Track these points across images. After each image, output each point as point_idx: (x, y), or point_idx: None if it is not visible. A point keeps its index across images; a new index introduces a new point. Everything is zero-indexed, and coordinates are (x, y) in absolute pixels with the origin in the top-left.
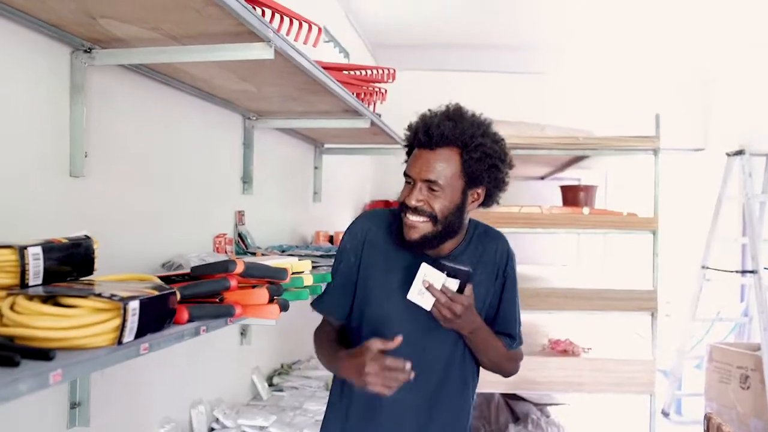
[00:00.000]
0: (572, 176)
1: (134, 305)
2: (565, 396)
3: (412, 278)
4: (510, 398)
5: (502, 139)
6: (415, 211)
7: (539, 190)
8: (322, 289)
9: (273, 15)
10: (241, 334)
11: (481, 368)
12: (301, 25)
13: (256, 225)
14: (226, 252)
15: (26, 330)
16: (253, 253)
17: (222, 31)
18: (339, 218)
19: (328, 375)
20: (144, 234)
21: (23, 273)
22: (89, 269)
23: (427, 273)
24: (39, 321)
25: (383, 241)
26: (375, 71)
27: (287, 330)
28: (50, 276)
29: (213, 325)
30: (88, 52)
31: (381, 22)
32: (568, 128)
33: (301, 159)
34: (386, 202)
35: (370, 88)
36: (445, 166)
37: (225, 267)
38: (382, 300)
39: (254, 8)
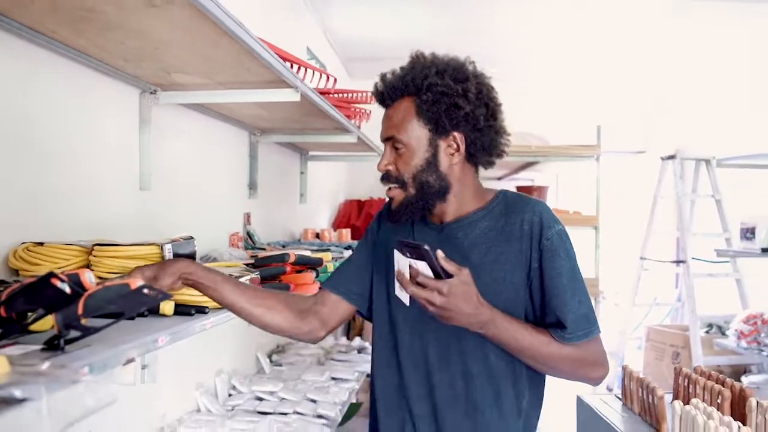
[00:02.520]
0: (527, 177)
1: (244, 280)
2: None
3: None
4: None
5: (472, 76)
6: (386, 178)
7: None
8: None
9: (299, 68)
10: None
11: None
12: (314, 73)
13: (258, 224)
14: (238, 247)
15: (185, 297)
16: (263, 248)
17: (260, 79)
18: (321, 216)
19: (319, 352)
20: (189, 233)
21: (163, 260)
22: (194, 258)
23: (398, 260)
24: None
25: (391, 228)
26: (361, 94)
27: None
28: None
29: None
30: (153, 93)
31: (353, 38)
32: (524, 133)
33: (290, 166)
34: (358, 202)
35: (357, 109)
36: (401, 118)
37: (282, 258)
38: (384, 281)
39: (285, 62)
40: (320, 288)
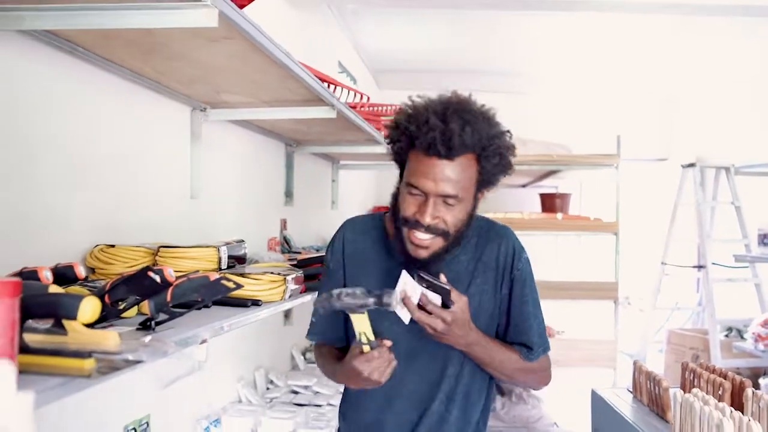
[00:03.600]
0: (551, 184)
1: (290, 278)
2: None
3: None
4: None
5: (507, 130)
6: (427, 228)
7: (521, 197)
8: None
9: (335, 87)
10: (285, 317)
11: None
12: (348, 91)
13: (294, 230)
14: (276, 251)
15: (244, 292)
16: (298, 252)
17: (299, 98)
18: None
19: None
20: (232, 237)
21: (219, 261)
22: (243, 261)
23: (406, 283)
24: (251, 287)
25: (365, 248)
26: (390, 107)
27: None
28: (229, 263)
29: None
30: (203, 111)
31: (381, 52)
32: (547, 142)
33: (322, 174)
34: (386, 208)
35: (386, 122)
36: (464, 176)
37: (320, 259)
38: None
39: (322, 82)
40: (311, 341)
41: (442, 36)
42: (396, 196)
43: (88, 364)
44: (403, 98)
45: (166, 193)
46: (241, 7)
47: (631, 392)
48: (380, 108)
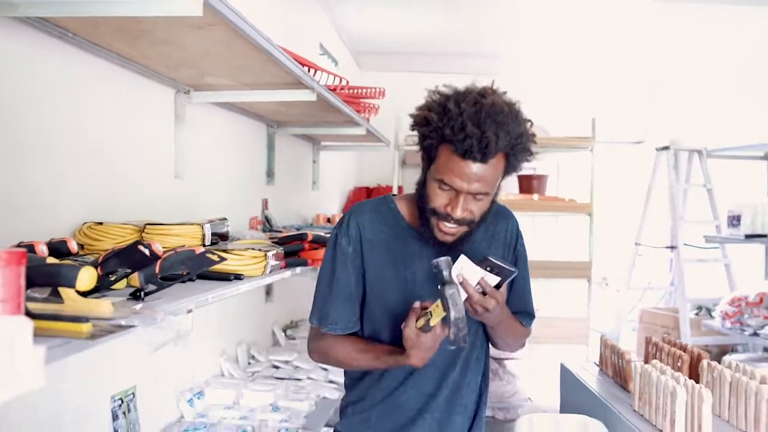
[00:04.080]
0: (529, 166)
1: (271, 254)
2: (519, 352)
3: (425, 267)
4: None
5: (529, 120)
6: (458, 221)
7: None
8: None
9: (315, 71)
10: (266, 293)
11: None
12: (329, 74)
13: (275, 209)
14: (257, 230)
15: (227, 266)
16: (279, 231)
17: (281, 81)
18: (332, 203)
19: None
20: (215, 216)
21: (203, 238)
22: (226, 238)
23: (464, 267)
24: (233, 263)
25: (381, 234)
26: (369, 90)
27: (297, 294)
28: (212, 240)
29: (297, 270)
30: (187, 93)
31: (363, 34)
32: None
33: (303, 155)
34: (367, 189)
35: (366, 104)
36: (493, 174)
37: (301, 237)
38: (398, 294)
39: (303, 66)
40: (324, 329)
41: (422, 19)
42: (422, 184)
43: (87, 327)
44: (384, 79)
45: (151, 173)
46: None
47: (597, 365)
48: (359, 90)
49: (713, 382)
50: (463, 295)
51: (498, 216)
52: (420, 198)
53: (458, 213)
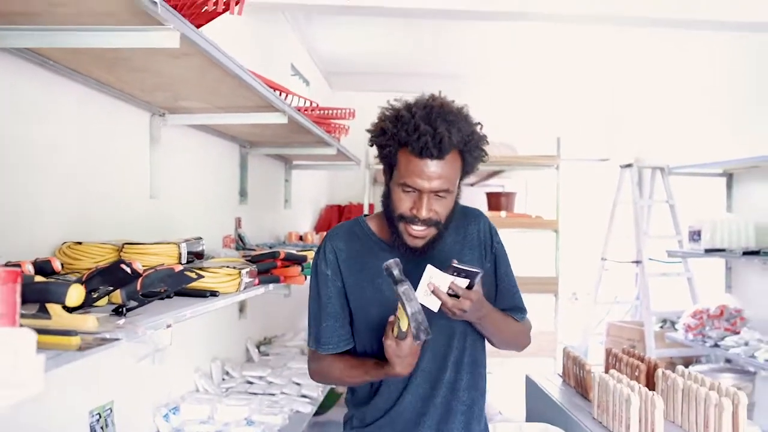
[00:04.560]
0: (498, 183)
1: (245, 272)
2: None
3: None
4: None
5: (479, 123)
6: (424, 221)
7: (469, 195)
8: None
9: (286, 95)
10: (240, 311)
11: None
12: (299, 98)
13: (248, 228)
14: (230, 248)
15: (204, 284)
16: (252, 249)
17: (253, 104)
18: (304, 221)
19: (302, 344)
20: (189, 235)
21: (180, 256)
22: (201, 256)
23: (432, 276)
24: (209, 280)
25: (356, 254)
26: (340, 111)
27: (270, 311)
28: (188, 258)
29: (270, 288)
30: (162, 116)
31: (334, 54)
32: (494, 142)
33: (275, 175)
34: (339, 207)
35: (336, 125)
36: (451, 171)
37: (273, 255)
38: (377, 308)
39: (274, 90)
40: (321, 351)
41: (391, 40)
42: (387, 194)
43: (75, 340)
44: (354, 99)
45: (127, 193)
46: (199, 26)
47: (561, 376)
48: (330, 111)
49: (667, 389)
50: (438, 303)
51: (468, 218)
52: (386, 209)
53: (423, 213)
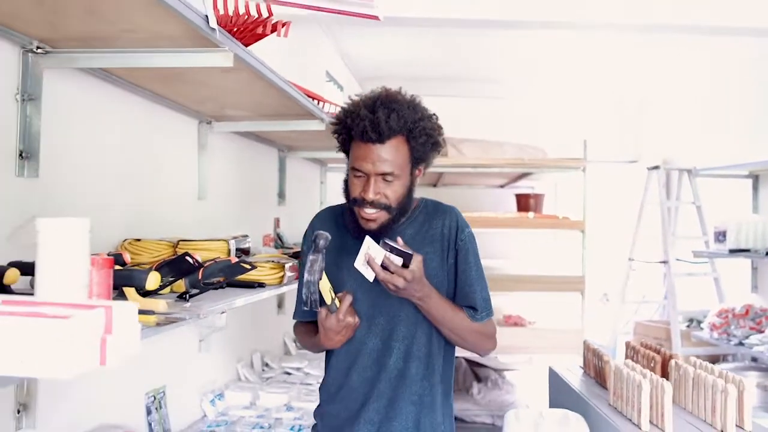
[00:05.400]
0: (527, 185)
1: (287, 266)
2: (518, 363)
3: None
4: (474, 365)
5: (434, 113)
6: (372, 204)
7: (499, 196)
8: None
9: (323, 104)
10: (278, 306)
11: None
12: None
13: (285, 227)
14: (270, 246)
15: (252, 276)
16: (290, 247)
17: (293, 113)
18: None
19: None
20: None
21: (229, 252)
22: (247, 253)
23: (370, 247)
24: (256, 273)
25: (334, 236)
26: None
27: None
28: (236, 254)
29: None
30: (209, 123)
31: (367, 60)
32: (523, 145)
33: (312, 176)
34: None
35: None
36: (397, 156)
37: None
38: (344, 286)
39: (312, 100)
40: (299, 320)
41: (423, 47)
42: (346, 182)
43: (153, 318)
44: None
45: (178, 194)
46: (247, 45)
47: (582, 368)
48: None
49: (679, 378)
50: (373, 274)
51: (436, 212)
52: (345, 194)
53: (370, 195)
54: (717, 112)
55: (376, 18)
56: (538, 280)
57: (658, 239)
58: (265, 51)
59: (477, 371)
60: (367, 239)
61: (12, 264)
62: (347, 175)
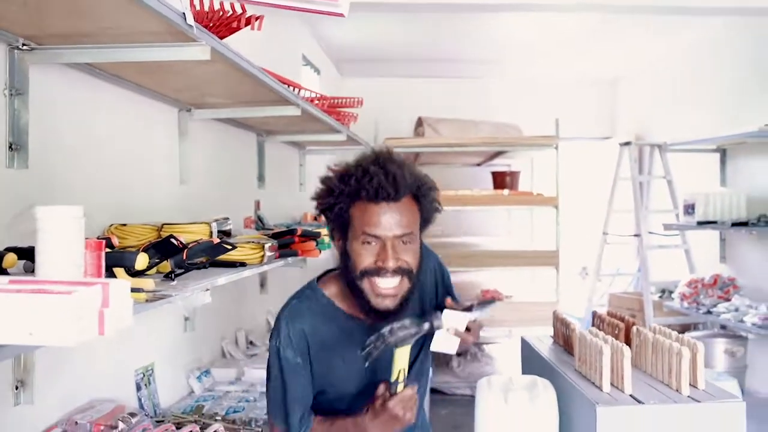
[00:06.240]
0: (504, 163)
1: (267, 246)
2: (498, 337)
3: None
4: None
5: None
6: (395, 272)
7: (476, 174)
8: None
9: (299, 90)
10: (261, 285)
11: None
12: (311, 92)
13: (266, 209)
14: (251, 228)
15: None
16: (270, 229)
17: (270, 99)
18: None
19: None
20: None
21: (211, 234)
22: (229, 234)
23: (448, 319)
24: (237, 253)
25: (324, 333)
26: (348, 99)
27: (288, 287)
28: (218, 236)
29: (289, 260)
30: (189, 111)
31: (343, 43)
32: (500, 123)
33: (291, 160)
34: None
35: (345, 113)
36: (411, 215)
37: (292, 231)
38: (346, 376)
39: (288, 86)
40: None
41: (399, 29)
42: (345, 258)
43: (143, 295)
44: (364, 85)
45: (160, 180)
46: (223, 38)
47: (552, 337)
48: (339, 100)
49: (640, 344)
50: (456, 343)
51: (426, 257)
52: (347, 272)
53: (391, 263)
54: (688, 89)
55: (341, 15)
56: (514, 255)
57: (630, 213)
58: (242, 38)
59: None
60: (448, 313)
61: (8, 249)
62: (344, 249)
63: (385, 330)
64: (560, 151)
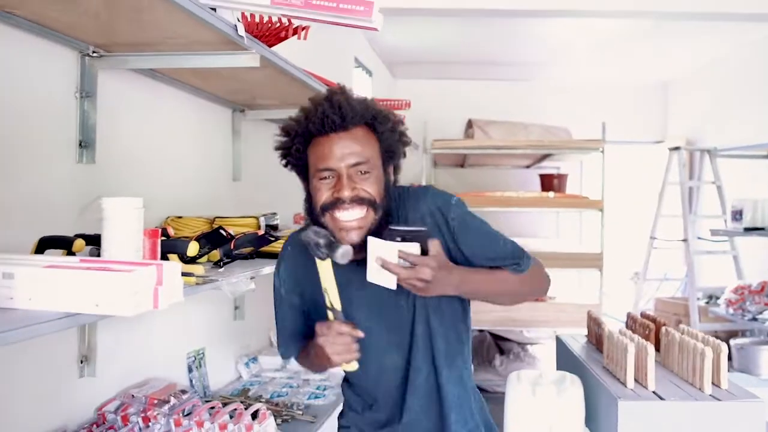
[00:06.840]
0: (554, 165)
1: None
2: (542, 338)
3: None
4: (498, 339)
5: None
6: (353, 201)
7: (525, 177)
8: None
9: None
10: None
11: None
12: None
13: None
14: (300, 224)
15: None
16: None
17: None
18: None
19: None
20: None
21: (259, 227)
22: (276, 228)
23: (376, 248)
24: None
25: (302, 265)
26: (396, 102)
27: None
28: (265, 230)
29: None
30: (242, 111)
31: (394, 46)
32: (548, 126)
33: None
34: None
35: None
36: (365, 144)
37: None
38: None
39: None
40: (286, 358)
41: (450, 33)
42: (308, 199)
43: (193, 279)
44: (415, 86)
45: (215, 176)
46: (271, 46)
47: (585, 336)
48: (387, 102)
49: (668, 344)
50: (394, 278)
51: (408, 202)
52: (311, 212)
53: (346, 192)
54: (740, 94)
55: (374, 29)
56: (559, 256)
57: (678, 218)
58: (296, 44)
59: (501, 345)
60: (371, 239)
61: (77, 236)
62: (308, 190)
63: (308, 230)
64: (610, 155)
